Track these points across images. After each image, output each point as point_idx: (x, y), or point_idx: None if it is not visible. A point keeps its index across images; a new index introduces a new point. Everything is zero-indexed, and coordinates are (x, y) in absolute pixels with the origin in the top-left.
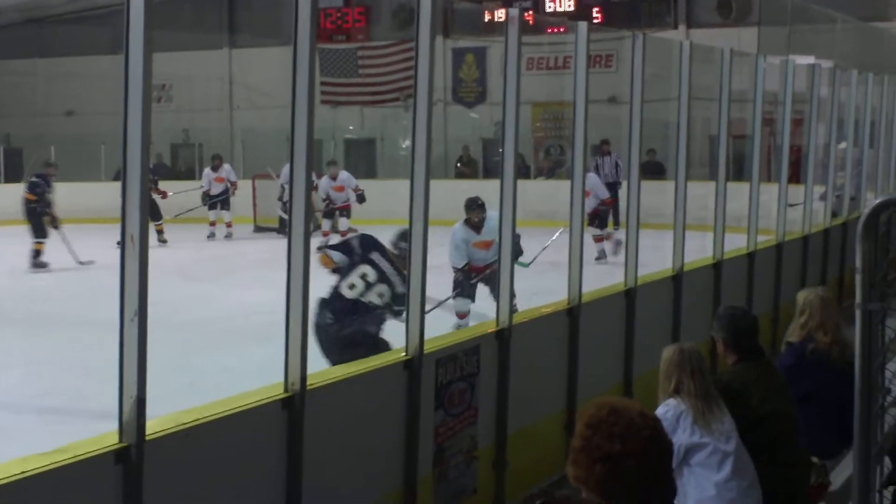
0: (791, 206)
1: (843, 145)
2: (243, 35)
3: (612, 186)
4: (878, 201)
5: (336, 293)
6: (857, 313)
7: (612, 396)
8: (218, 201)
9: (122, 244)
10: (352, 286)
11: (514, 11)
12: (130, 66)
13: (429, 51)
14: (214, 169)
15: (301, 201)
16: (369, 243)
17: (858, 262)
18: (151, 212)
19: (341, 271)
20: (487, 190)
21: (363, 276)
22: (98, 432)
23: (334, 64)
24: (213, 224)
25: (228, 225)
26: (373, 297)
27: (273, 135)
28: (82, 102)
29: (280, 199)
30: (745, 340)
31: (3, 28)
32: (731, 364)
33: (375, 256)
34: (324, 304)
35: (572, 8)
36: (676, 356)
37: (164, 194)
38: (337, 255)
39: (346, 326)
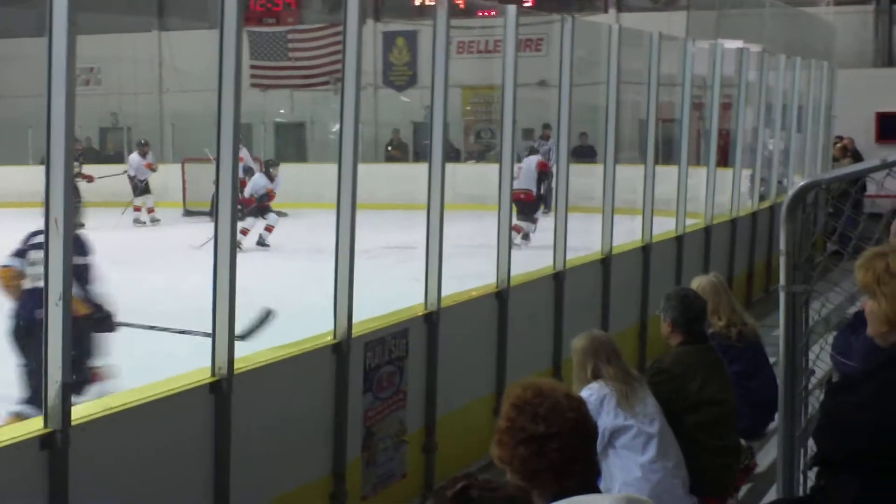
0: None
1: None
2: (173, 18)
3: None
4: (801, 184)
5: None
6: (781, 295)
7: (539, 378)
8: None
9: (45, 229)
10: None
11: None
12: (54, 48)
13: (357, 34)
14: (143, 154)
15: (228, 185)
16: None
17: (783, 245)
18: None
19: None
20: (417, 174)
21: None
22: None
23: (264, 47)
24: (137, 209)
25: (150, 210)
26: None
27: (203, 118)
28: (9, 85)
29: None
30: (695, 324)
31: None
32: (675, 345)
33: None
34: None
35: None
36: (589, 344)
37: (89, 178)
38: (15, 262)
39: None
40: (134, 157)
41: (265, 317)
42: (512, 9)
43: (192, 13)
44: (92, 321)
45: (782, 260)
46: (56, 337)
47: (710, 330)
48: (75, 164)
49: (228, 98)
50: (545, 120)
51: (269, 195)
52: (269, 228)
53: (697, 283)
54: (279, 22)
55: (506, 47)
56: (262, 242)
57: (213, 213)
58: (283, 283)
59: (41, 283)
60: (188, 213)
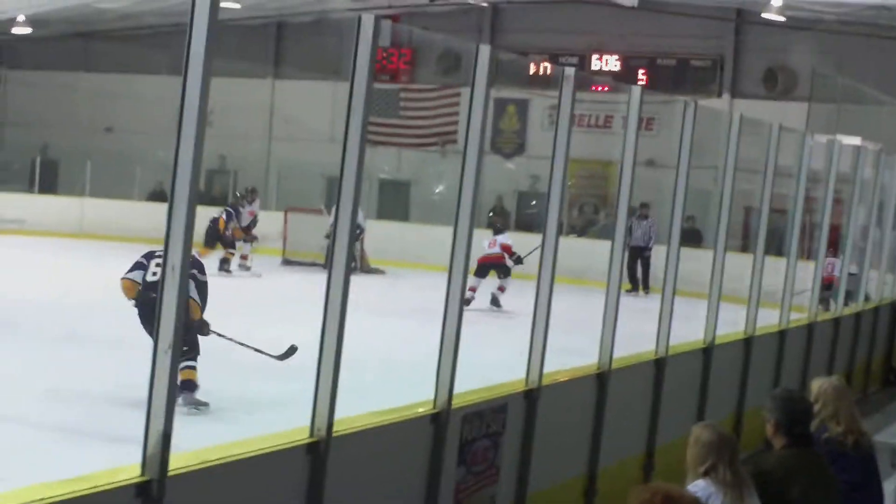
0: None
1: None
2: (287, 67)
3: (642, 251)
4: None
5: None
6: None
7: (665, 483)
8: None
9: (162, 275)
10: (154, 273)
11: (570, 69)
12: (188, 91)
13: (483, 101)
14: (251, 202)
15: (344, 239)
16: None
17: None
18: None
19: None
20: (518, 243)
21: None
22: (113, 457)
23: (376, 103)
24: (244, 257)
25: (244, 258)
26: None
27: (308, 168)
28: (122, 120)
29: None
30: (798, 426)
31: (50, 39)
32: (778, 448)
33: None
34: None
35: (618, 68)
36: (716, 440)
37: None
38: (131, 275)
39: None
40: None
41: (291, 352)
42: (637, 89)
43: (307, 63)
44: (200, 324)
45: None
46: (162, 386)
47: (826, 435)
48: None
49: (353, 152)
50: (652, 199)
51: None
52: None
53: (819, 384)
54: (393, 79)
55: (628, 125)
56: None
57: (327, 266)
58: (383, 344)
59: None
60: (287, 262)
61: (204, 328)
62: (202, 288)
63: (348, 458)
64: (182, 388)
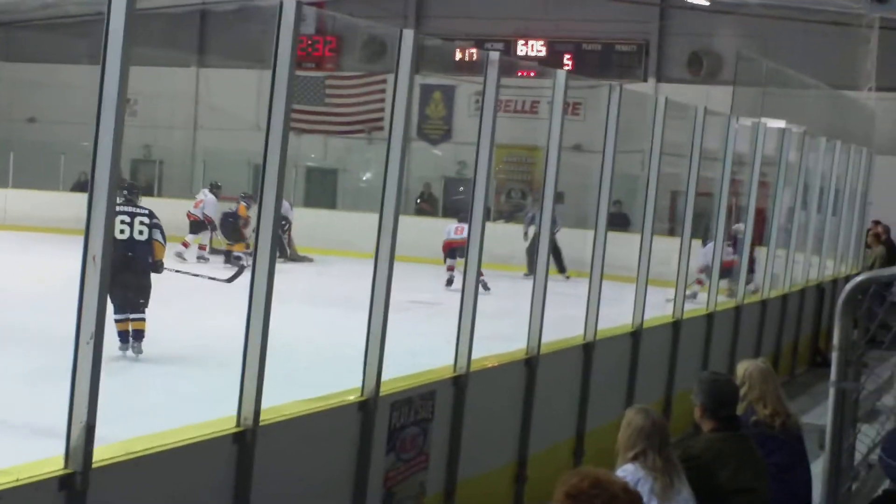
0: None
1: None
2: (212, 55)
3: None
4: (858, 279)
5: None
6: (831, 391)
7: (595, 468)
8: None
9: (82, 265)
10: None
11: (495, 54)
12: (106, 78)
13: (407, 87)
14: (216, 196)
15: (268, 228)
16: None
17: (836, 340)
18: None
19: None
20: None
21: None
22: (37, 449)
23: (302, 91)
24: (202, 248)
25: (203, 248)
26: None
27: (234, 157)
28: (45, 110)
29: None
30: (725, 409)
31: None
32: (706, 431)
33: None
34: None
35: (544, 53)
36: (648, 425)
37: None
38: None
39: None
40: (210, 196)
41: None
42: (562, 73)
43: (231, 52)
44: (159, 264)
45: (834, 355)
46: (84, 377)
47: (754, 417)
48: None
49: (276, 140)
50: (581, 184)
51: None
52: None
53: (744, 367)
54: (318, 67)
55: (553, 111)
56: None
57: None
58: (312, 332)
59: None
60: (214, 251)
61: (160, 268)
62: (163, 231)
63: (276, 447)
64: (136, 338)
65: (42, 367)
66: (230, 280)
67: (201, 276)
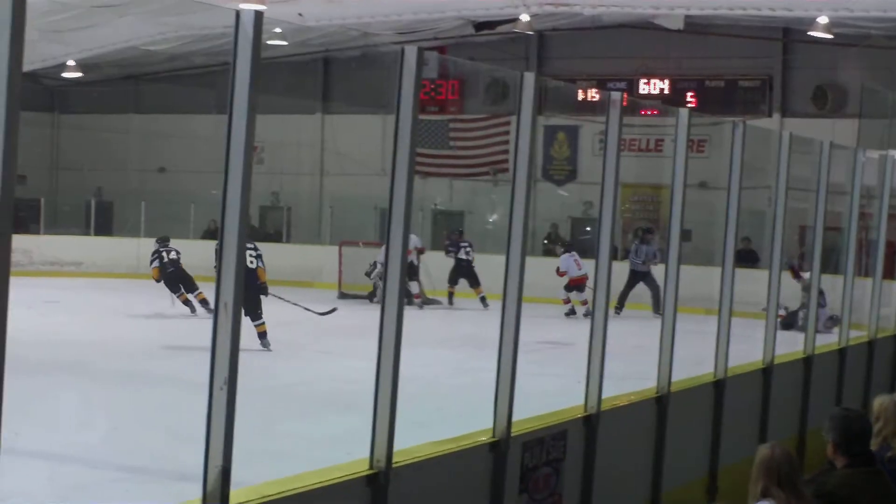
0: None
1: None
2: (336, 102)
3: (644, 275)
4: None
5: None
6: None
7: None
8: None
9: (215, 312)
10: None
11: (618, 94)
12: (233, 128)
13: (530, 129)
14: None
15: (396, 271)
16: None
17: None
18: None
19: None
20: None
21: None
22: (174, 494)
23: (426, 135)
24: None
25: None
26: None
27: (360, 202)
28: (174, 160)
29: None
30: (857, 445)
31: (100, 83)
32: (840, 468)
33: None
34: None
35: (666, 91)
36: (766, 461)
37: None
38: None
39: None
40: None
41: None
42: (684, 112)
43: (356, 98)
44: (264, 287)
45: None
46: (219, 421)
47: (889, 454)
48: None
49: (401, 184)
50: (707, 221)
51: None
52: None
53: (879, 402)
54: (442, 111)
55: (676, 149)
56: None
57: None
58: (440, 373)
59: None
60: (343, 295)
61: (265, 290)
62: (263, 260)
63: (408, 490)
64: (262, 337)
65: (174, 411)
66: (324, 314)
67: (299, 305)
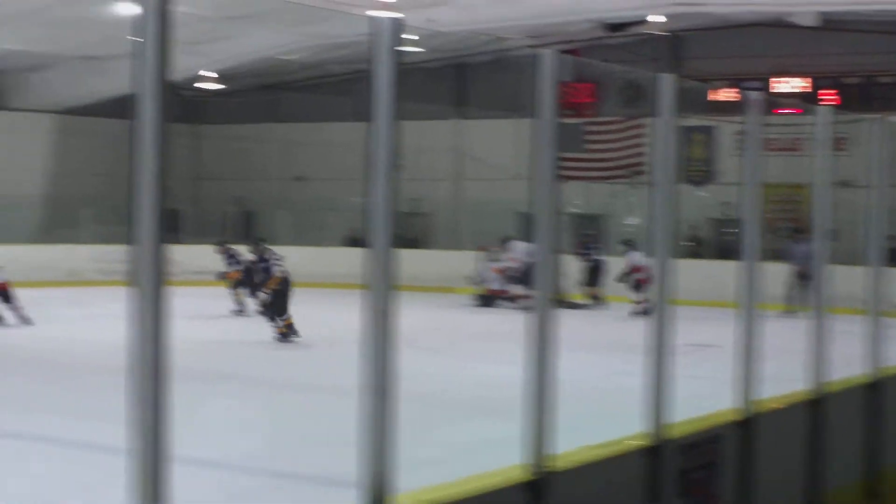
0: None
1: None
2: (471, 107)
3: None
4: None
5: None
6: None
7: None
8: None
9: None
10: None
11: (756, 93)
12: (376, 135)
13: (670, 131)
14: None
15: (546, 274)
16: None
17: None
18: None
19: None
20: (718, 270)
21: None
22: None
23: (563, 138)
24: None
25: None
26: None
27: (497, 206)
28: (312, 168)
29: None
30: None
31: (237, 93)
32: None
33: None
34: None
35: (804, 89)
36: None
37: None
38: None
39: None
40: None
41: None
42: (825, 109)
43: (489, 102)
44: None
45: None
46: (376, 428)
47: None
48: None
49: (543, 189)
50: (851, 220)
51: None
52: None
53: None
54: (578, 114)
55: (819, 147)
56: None
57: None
58: (590, 377)
59: None
60: (482, 299)
61: (280, 296)
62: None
63: (567, 495)
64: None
65: (326, 417)
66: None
67: None
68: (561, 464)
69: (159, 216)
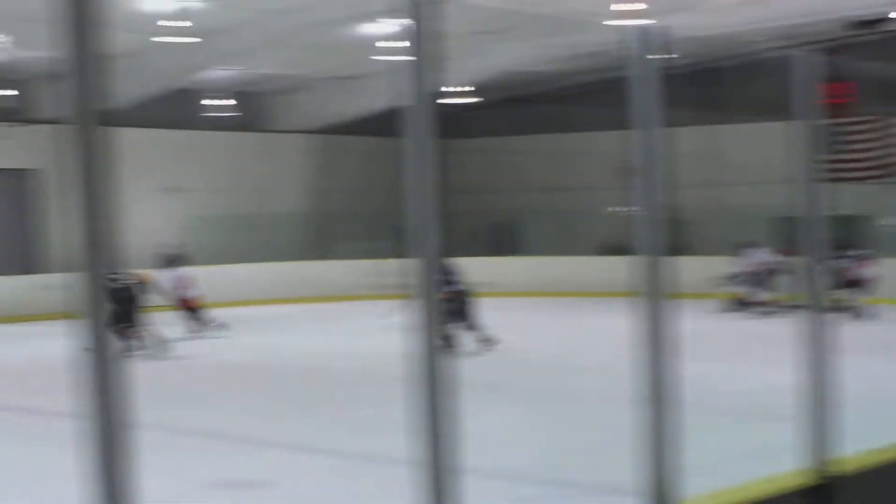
0: None
1: None
2: (725, 112)
3: None
4: None
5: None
6: None
7: None
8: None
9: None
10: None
11: None
12: (639, 143)
13: None
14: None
15: (815, 279)
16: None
17: None
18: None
19: None
20: None
21: None
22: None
23: (824, 139)
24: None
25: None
26: None
27: (756, 211)
28: (566, 178)
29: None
30: None
31: (486, 106)
32: None
33: None
34: None
35: None
36: None
37: None
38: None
39: None
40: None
41: None
42: None
43: (743, 106)
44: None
45: None
46: (655, 435)
47: None
48: None
49: (808, 192)
50: None
51: None
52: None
53: None
54: (836, 114)
55: None
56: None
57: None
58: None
59: None
60: (741, 304)
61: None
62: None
63: (856, 499)
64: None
65: (596, 425)
66: None
67: None
68: (848, 467)
69: (437, 230)
